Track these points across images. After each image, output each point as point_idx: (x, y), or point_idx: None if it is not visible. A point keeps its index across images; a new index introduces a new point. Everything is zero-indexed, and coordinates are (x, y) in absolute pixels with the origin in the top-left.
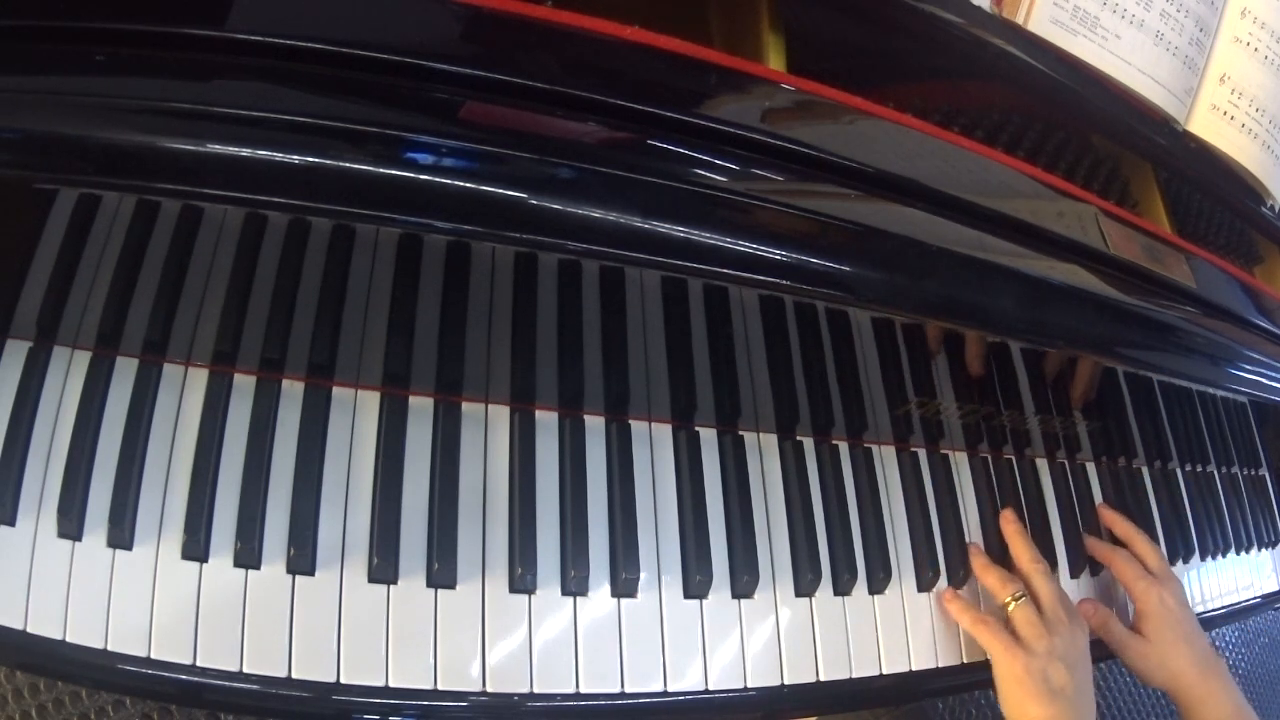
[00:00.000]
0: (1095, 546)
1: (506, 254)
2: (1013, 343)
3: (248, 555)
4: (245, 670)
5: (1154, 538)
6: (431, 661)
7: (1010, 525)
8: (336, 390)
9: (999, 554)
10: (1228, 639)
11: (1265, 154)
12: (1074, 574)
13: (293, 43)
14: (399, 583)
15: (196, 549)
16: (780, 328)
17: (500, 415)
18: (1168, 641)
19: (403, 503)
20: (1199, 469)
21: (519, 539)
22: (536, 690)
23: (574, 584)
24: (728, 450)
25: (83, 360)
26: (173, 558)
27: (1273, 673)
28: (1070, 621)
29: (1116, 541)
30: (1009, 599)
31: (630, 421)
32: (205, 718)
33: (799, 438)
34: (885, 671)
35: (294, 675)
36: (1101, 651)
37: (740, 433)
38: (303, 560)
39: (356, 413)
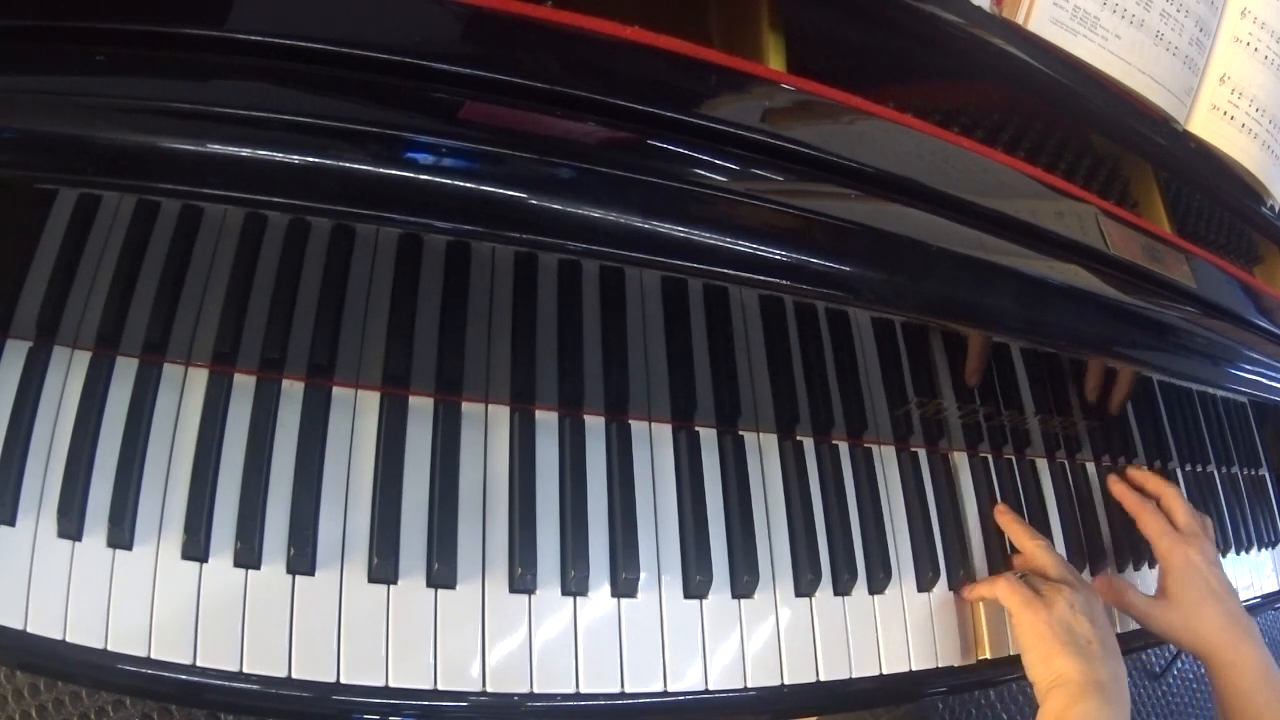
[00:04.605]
0: (1124, 496)
1: (506, 254)
2: (1013, 343)
3: (248, 555)
4: (245, 670)
5: None
6: (431, 661)
7: (1005, 515)
8: (336, 390)
9: (1000, 551)
10: None
11: (1265, 154)
12: None
13: (293, 43)
14: (399, 582)
15: (196, 549)
16: (780, 328)
17: (500, 415)
18: (1192, 601)
19: (403, 503)
20: (1199, 469)
21: (519, 539)
22: (536, 690)
23: (574, 584)
24: (728, 450)
25: (83, 360)
26: (173, 558)
27: None
28: (1084, 584)
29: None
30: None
31: (630, 421)
32: (205, 718)
33: (799, 438)
34: (885, 671)
35: (294, 675)
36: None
37: (740, 433)
38: (303, 560)
39: (356, 413)
